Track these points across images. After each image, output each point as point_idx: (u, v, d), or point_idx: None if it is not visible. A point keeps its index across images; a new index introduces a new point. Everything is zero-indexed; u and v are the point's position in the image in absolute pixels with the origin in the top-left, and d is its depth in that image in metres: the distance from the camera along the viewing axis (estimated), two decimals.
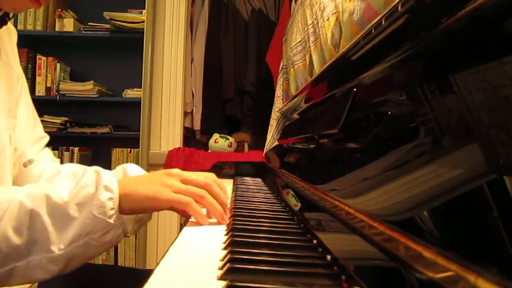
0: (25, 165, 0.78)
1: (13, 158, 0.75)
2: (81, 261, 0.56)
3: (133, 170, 0.79)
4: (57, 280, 0.77)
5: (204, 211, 0.64)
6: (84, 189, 0.55)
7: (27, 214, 0.52)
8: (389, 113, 0.46)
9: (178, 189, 0.61)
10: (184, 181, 0.63)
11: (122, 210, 0.57)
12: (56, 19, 2.37)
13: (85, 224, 0.53)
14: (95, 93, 2.38)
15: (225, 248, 0.48)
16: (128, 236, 2.30)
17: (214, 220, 0.64)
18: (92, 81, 2.38)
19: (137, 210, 0.61)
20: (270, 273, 0.39)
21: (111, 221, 0.55)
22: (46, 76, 2.41)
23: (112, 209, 0.55)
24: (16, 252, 0.51)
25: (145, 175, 0.68)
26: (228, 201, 0.84)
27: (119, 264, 2.30)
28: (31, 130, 0.82)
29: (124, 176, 0.78)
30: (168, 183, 0.61)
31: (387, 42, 0.50)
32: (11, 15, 0.72)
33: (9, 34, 0.77)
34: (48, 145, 0.88)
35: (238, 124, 2.47)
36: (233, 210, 0.69)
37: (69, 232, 0.53)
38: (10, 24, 0.76)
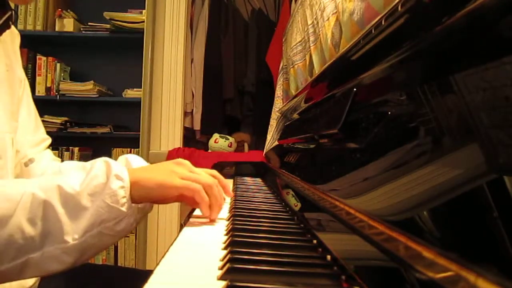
0: (26, 164, 0.78)
1: (15, 160, 0.75)
2: (95, 252, 0.56)
3: (135, 160, 0.80)
4: (58, 280, 0.77)
5: None
6: (95, 179, 0.55)
7: (41, 205, 0.52)
8: (389, 113, 0.46)
9: (187, 177, 0.62)
10: (192, 172, 0.65)
11: (133, 198, 0.57)
12: (56, 19, 2.37)
13: (99, 213, 0.54)
14: (95, 93, 2.38)
15: (225, 248, 0.48)
16: (128, 236, 2.30)
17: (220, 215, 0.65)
18: (92, 81, 2.38)
19: (147, 198, 0.61)
20: (270, 273, 0.39)
21: (124, 209, 0.55)
22: (46, 76, 2.41)
23: (124, 197, 0.55)
24: (30, 244, 0.51)
25: (154, 165, 0.69)
26: (228, 199, 0.84)
27: (119, 264, 2.30)
28: (32, 133, 0.82)
29: (126, 166, 0.79)
30: (177, 171, 0.62)
31: (387, 42, 0.50)
32: (14, 18, 0.72)
33: (12, 37, 0.77)
34: (48, 146, 0.88)
35: (238, 124, 2.47)
36: (233, 210, 0.69)
37: (83, 222, 0.53)
38: (13, 28, 0.76)
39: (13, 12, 0.72)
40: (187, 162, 0.66)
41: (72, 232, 0.52)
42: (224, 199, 0.78)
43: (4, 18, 0.69)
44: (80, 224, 0.53)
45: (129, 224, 0.57)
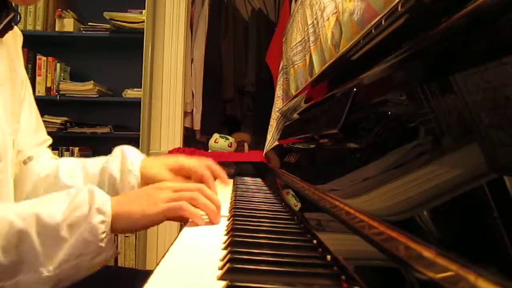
0: (25, 162, 0.78)
1: (16, 160, 0.75)
2: (71, 281, 0.56)
3: (131, 153, 0.80)
4: None
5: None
6: (77, 210, 0.54)
7: (16, 234, 0.51)
8: (389, 113, 0.46)
9: (169, 198, 0.61)
10: (176, 191, 0.63)
11: (116, 229, 0.57)
12: (56, 19, 2.37)
13: (76, 247, 0.53)
14: (95, 93, 2.38)
15: (225, 248, 0.48)
16: (128, 236, 2.30)
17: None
18: (92, 81, 2.38)
19: (132, 229, 0.60)
20: (270, 273, 0.39)
21: (102, 244, 0.54)
22: (46, 76, 2.41)
23: (103, 232, 0.55)
24: (2, 272, 0.50)
25: (137, 191, 0.68)
26: (228, 199, 0.84)
27: (119, 264, 2.30)
28: (33, 134, 0.82)
29: (122, 159, 0.79)
30: (159, 197, 0.61)
31: (387, 42, 0.50)
32: (17, 20, 0.72)
33: (14, 37, 0.77)
34: (48, 146, 0.89)
35: (238, 124, 2.47)
36: (233, 210, 0.69)
37: (59, 253, 0.52)
38: (16, 28, 0.76)
39: (17, 13, 0.72)
40: (170, 184, 0.65)
41: (48, 264, 0.52)
42: (227, 184, 0.78)
43: (7, 20, 0.69)
44: (57, 256, 0.52)
45: (107, 257, 0.56)
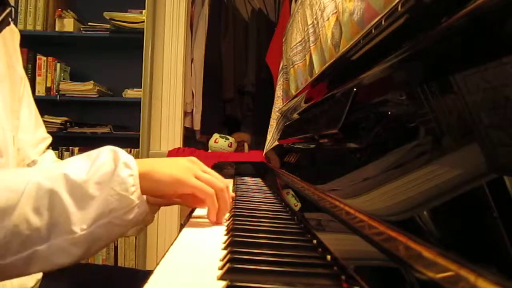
0: (29, 166, 0.78)
1: (16, 159, 0.75)
2: (104, 244, 0.54)
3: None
4: (58, 281, 0.77)
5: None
6: (102, 167, 0.52)
7: (46, 194, 0.49)
8: (389, 113, 0.46)
9: (202, 177, 0.60)
10: (206, 172, 0.63)
11: (143, 190, 0.55)
12: (56, 19, 2.37)
13: (108, 201, 0.51)
14: (95, 93, 2.38)
15: (225, 248, 0.48)
16: (127, 236, 2.30)
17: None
18: (92, 81, 2.38)
19: (157, 192, 0.59)
20: (270, 273, 0.39)
21: (134, 197, 0.53)
22: (46, 76, 2.41)
23: (133, 185, 0.53)
24: (36, 235, 0.48)
25: (164, 158, 0.65)
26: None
27: (119, 264, 2.30)
28: (33, 132, 0.82)
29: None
30: (191, 169, 0.60)
31: (387, 42, 0.50)
32: (13, 15, 0.72)
33: (12, 35, 0.77)
34: (49, 145, 0.89)
35: (238, 124, 2.47)
36: (233, 210, 0.69)
37: (91, 211, 0.50)
38: (13, 25, 0.76)
39: (13, 8, 0.71)
40: (199, 161, 0.64)
41: (80, 222, 0.50)
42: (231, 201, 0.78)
43: (4, 15, 0.69)
44: (89, 213, 0.50)
45: (140, 214, 0.54)
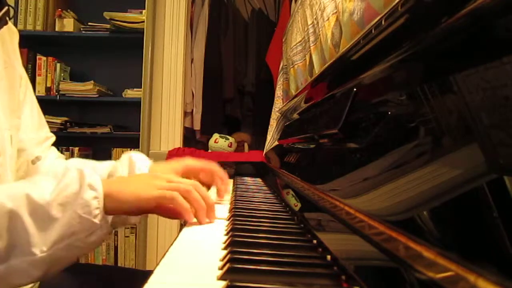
0: (33, 162, 0.79)
1: (20, 159, 0.75)
2: (63, 265, 0.54)
3: (139, 159, 0.80)
4: (58, 281, 0.77)
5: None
6: (67, 188, 0.52)
7: (6, 215, 0.49)
8: (389, 113, 0.46)
9: (162, 187, 0.60)
10: (170, 182, 0.62)
11: (106, 210, 0.55)
12: (56, 19, 2.37)
13: (69, 224, 0.51)
14: (95, 93, 2.38)
15: (225, 248, 0.48)
16: (127, 236, 2.30)
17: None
18: (92, 81, 2.38)
19: (121, 211, 0.58)
20: (270, 273, 0.39)
21: (97, 221, 0.53)
22: (46, 76, 2.41)
23: (97, 208, 0.53)
24: None
25: (131, 176, 0.67)
26: (228, 199, 0.84)
27: (119, 264, 2.30)
28: (36, 131, 0.82)
29: (130, 165, 0.79)
30: (154, 183, 0.60)
31: (387, 42, 0.50)
32: (11, 14, 0.72)
33: (11, 34, 0.77)
34: (52, 143, 0.89)
35: (238, 124, 2.47)
36: (233, 210, 0.69)
37: (52, 233, 0.50)
38: (11, 25, 0.76)
39: (11, 8, 0.71)
40: (165, 175, 0.64)
41: (40, 244, 0.49)
42: (226, 192, 0.77)
43: (1, 14, 0.69)
44: (49, 235, 0.50)
45: (101, 236, 0.55)
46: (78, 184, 0.53)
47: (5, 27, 0.72)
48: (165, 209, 0.60)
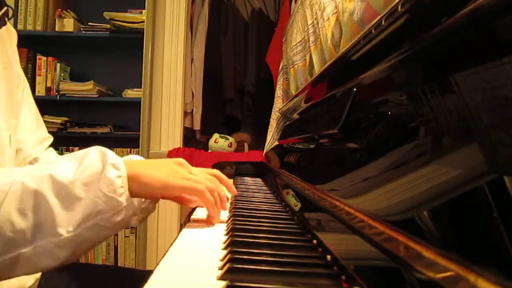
0: (30, 163, 0.78)
1: (18, 159, 0.75)
2: (90, 246, 0.53)
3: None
4: (57, 280, 0.77)
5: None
6: (90, 168, 0.51)
7: (31, 195, 0.47)
8: (389, 113, 0.46)
9: (189, 178, 0.60)
10: (192, 173, 0.63)
11: (130, 192, 0.54)
12: (56, 19, 2.37)
13: (95, 203, 0.50)
14: (95, 93, 2.38)
15: (225, 248, 0.48)
16: (127, 236, 2.30)
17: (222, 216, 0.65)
18: (92, 81, 2.38)
19: (146, 195, 0.58)
20: (270, 273, 0.39)
21: (122, 200, 0.52)
22: (46, 76, 2.41)
23: (122, 187, 0.52)
24: (21, 237, 0.47)
25: (153, 161, 0.64)
26: (229, 199, 0.84)
27: (119, 264, 2.30)
28: (34, 132, 0.82)
29: None
30: (178, 171, 0.60)
31: (387, 42, 0.50)
32: (10, 14, 0.72)
33: (9, 35, 0.77)
34: (50, 145, 0.89)
35: (238, 124, 2.47)
36: (233, 210, 0.69)
37: (77, 212, 0.49)
38: (10, 25, 0.76)
39: (10, 8, 0.71)
40: (186, 163, 0.64)
41: (66, 224, 0.48)
42: (228, 198, 0.78)
43: (0, 14, 0.69)
44: (75, 215, 0.49)
45: (128, 216, 0.53)
46: (101, 163, 0.52)
47: (4, 27, 0.72)
48: (185, 199, 0.61)
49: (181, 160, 0.64)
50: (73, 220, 0.49)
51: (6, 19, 0.72)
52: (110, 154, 0.54)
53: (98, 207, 0.50)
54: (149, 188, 0.56)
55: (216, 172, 0.75)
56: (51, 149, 0.88)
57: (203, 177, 0.64)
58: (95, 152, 0.53)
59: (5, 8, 0.69)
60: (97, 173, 0.51)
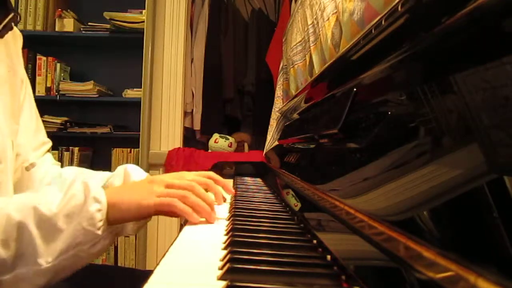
0: (27, 168, 0.78)
1: (16, 164, 0.75)
2: (68, 273, 0.56)
3: (134, 170, 0.79)
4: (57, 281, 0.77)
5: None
6: (73, 199, 0.55)
7: (15, 227, 0.51)
8: (389, 113, 0.46)
9: (161, 193, 0.62)
10: (168, 186, 0.64)
11: (110, 220, 0.57)
12: (56, 19, 2.37)
13: (74, 236, 0.53)
14: (95, 93, 2.38)
15: (225, 248, 0.48)
16: (128, 236, 2.30)
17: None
18: (92, 81, 2.38)
19: (125, 220, 0.61)
20: (270, 273, 0.39)
21: (100, 232, 0.55)
22: (46, 76, 2.41)
23: (100, 220, 0.55)
24: (2, 265, 0.50)
25: (129, 184, 0.69)
26: (228, 199, 0.84)
27: (119, 264, 2.30)
28: (33, 135, 0.82)
29: (125, 177, 0.79)
30: (152, 190, 0.62)
31: (387, 42, 0.50)
32: (18, 19, 0.72)
33: (15, 38, 0.77)
34: (48, 149, 0.88)
35: (238, 124, 2.47)
36: (233, 210, 0.69)
37: (58, 244, 0.52)
38: (16, 29, 0.76)
39: (16, 13, 0.71)
40: (162, 178, 0.66)
41: (46, 255, 0.52)
42: (225, 199, 0.78)
43: (7, 20, 0.69)
44: (55, 246, 0.52)
45: (105, 246, 0.57)
46: (83, 196, 0.55)
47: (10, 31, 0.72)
48: (165, 212, 0.62)
49: (155, 177, 0.68)
50: (53, 251, 0.52)
51: (13, 24, 0.72)
52: (93, 186, 0.57)
53: (77, 239, 0.54)
54: (127, 214, 0.59)
55: (210, 173, 0.75)
56: (49, 154, 0.87)
57: (177, 187, 0.65)
58: (79, 184, 0.57)
59: (12, 14, 0.70)
60: (79, 205, 0.55)
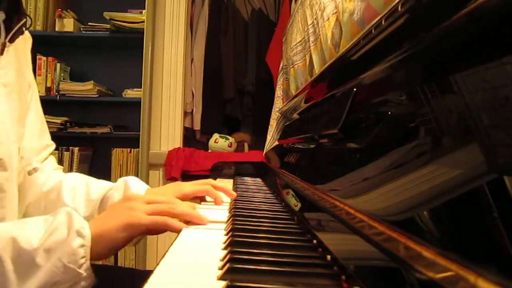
0: (30, 173, 0.78)
1: (19, 167, 0.75)
2: None
3: (134, 183, 0.79)
4: None
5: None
6: (55, 233, 0.50)
7: None
8: (389, 113, 0.46)
9: (151, 211, 0.58)
10: (148, 203, 0.61)
11: (97, 253, 0.52)
12: (56, 19, 2.37)
13: (53, 273, 0.49)
14: (95, 93, 2.38)
15: (225, 248, 0.48)
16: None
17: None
18: (92, 81, 2.38)
19: (115, 247, 0.56)
20: (270, 273, 0.39)
21: (82, 271, 0.50)
22: (46, 76, 2.41)
23: (83, 257, 0.50)
24: None
25: (110, 209, 0.62)
26: (228, 199, 0.84)
27: (119, 264, 2.30)
28: (38, 139, 0.82)
29: (125, 189, 0.78)
30: (135, 207, 0.58)
31: (387, 42, 0.50)
32: (28, 24, 0.72)
33: (24, 40, 0.77)
34: (51, 152, 0.88)
35: (238, 124, 2.47)
36: (233, 210, 0.69)
37: (33, 282, 0.48)
38: (26, 32, 0.76)
39: (28, 18, 0.71)
40: (138, 195, 0.63)
41: None
42: (222, 201, 0.77)
43: (19, 25, 0.69)
44: (30, 284, 0.48)
45: (86, 286, 0.52)
46: (67, 229, 0.51)
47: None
48: (156, 231, 0.58)
49: (131, 195, 0.64)
50: None
51: (24, 28, 0.72)
52: (76, 218, 0.53)
53: (55, 278, 0.49)
54: (114, 240, 0.55)
55: (209, 181, 0.75)
56: (52, 158, 0.87)
57: (157, 204, 0.60)
58: (63, 216, 0.53)
59: (24, 19, 0.69)
60: (61, 239, 0.50)
